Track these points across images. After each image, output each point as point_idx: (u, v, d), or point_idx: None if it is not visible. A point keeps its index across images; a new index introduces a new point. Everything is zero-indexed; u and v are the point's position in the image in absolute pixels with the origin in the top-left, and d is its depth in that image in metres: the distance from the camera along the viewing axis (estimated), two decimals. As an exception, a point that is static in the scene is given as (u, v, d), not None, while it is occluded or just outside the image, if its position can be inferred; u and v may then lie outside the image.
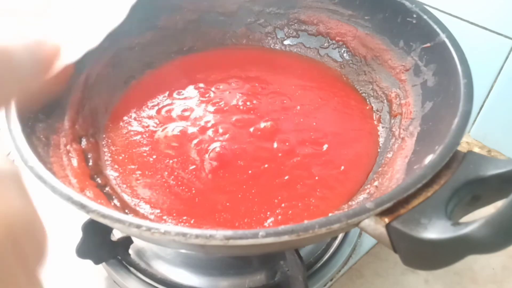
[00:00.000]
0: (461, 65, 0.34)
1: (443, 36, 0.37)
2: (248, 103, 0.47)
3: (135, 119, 0.45)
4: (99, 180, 0.38)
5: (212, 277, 0.42)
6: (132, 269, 0.43)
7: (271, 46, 0.56)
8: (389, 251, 0.27)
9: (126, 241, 0.43)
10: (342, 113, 0.47)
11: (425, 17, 0.40)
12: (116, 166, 0.41)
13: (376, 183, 0.37)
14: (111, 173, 0.40)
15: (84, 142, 0.41)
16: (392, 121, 0.43)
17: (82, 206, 0.26)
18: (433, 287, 0.42)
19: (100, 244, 0.41)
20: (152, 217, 0.36)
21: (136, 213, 0.36)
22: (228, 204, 0.37)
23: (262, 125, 0.44)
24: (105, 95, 0.46)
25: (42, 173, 0.28)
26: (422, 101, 0.39)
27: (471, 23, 0.50)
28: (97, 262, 0.42)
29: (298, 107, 0.47)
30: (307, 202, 0.37)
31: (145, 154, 0.41)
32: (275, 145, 0.42)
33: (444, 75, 0.37)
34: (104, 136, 0.43)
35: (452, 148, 0.28)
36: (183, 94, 0.49)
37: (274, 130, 0.43)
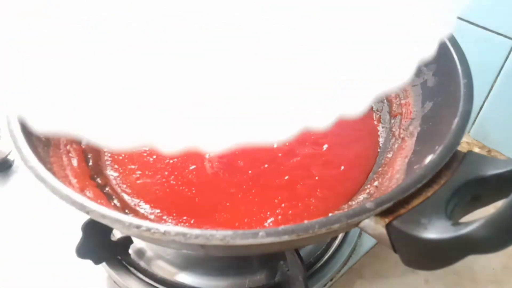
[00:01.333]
0: (461, 65, 0.34)
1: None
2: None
3: (135, 119, 0.45)
4: (99, 180, 0.38)
5: (212, 277, 0.42)
6: (132, 269, 0.43)
7: (271, 46, 0.56)
8: (389, 251, 0.26)
9: (126, 241, 0.43)
10: (342, 113, 0.46)
11: (425, 17, 0.40)
12: (116, 166, 0.41)
13: (376, 183, 0.37)
14: (111, 173, 0.40)
15: (84, 142, 0.40)
16: (392, 121, 0.43)
17: (82, 206, 0.26)
18: (433, 287, 0.42)
19: (100, 244, 0.41)
20: (152, 217, 0.36)
21: (136, 213, 0.36)
22: (228, 204, 0.37)
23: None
24: (105, 95, 0.46)
25: (42, 173, 0.28)
26: (422, 101, 0.39)
27: (471, 23, 0.50)
28: (97, 262, 0.42)
29: (298, 107, 0.46)
30: (307, 202, 0.37)
31: (145, 154, 0.41)
32: (275, 145, 0.42)
33: (444, 75, 0.37)
34: (104, 136, 0.43)
35: (452, 148, 0.28)
36: (183, 94, 0.48)
37: (274, 130, 0.43)
